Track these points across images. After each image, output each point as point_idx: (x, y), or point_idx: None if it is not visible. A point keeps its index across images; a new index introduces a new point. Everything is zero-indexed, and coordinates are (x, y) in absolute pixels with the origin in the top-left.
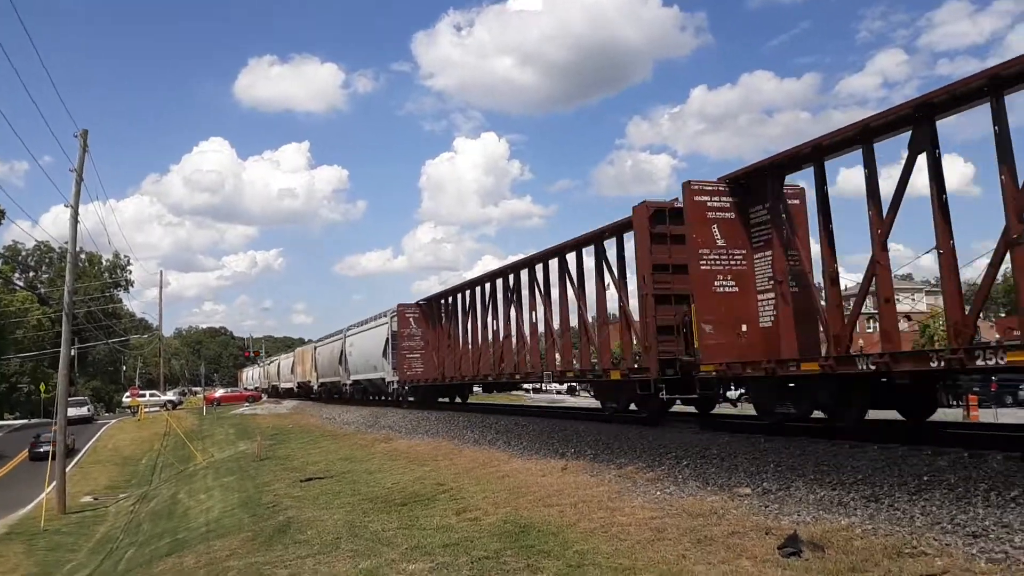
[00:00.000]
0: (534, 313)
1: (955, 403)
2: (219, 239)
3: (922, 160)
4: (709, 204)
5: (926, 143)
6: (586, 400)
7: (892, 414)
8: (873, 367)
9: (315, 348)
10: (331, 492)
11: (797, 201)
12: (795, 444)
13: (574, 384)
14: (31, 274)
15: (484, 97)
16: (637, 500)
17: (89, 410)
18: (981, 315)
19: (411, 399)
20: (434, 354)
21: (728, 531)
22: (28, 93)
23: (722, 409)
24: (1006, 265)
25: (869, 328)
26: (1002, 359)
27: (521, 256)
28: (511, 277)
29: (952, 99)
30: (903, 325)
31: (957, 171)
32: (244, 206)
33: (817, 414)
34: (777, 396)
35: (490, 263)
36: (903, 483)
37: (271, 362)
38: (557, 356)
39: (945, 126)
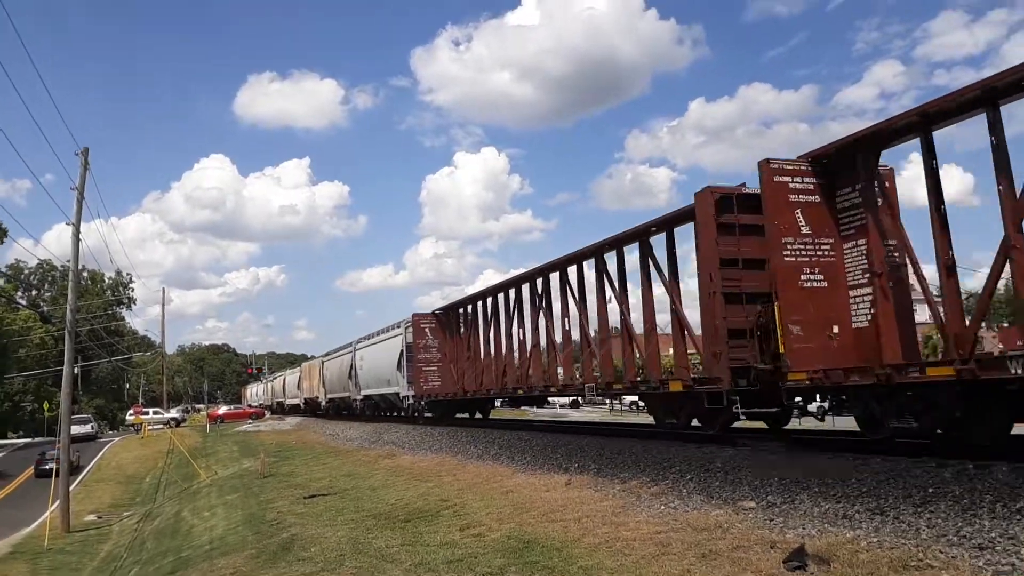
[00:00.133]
0: (567, 320)
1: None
2: (221, 256)
3: None
4: (791, 186)
5: None
6: (589, 414)
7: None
8: None
9: (323, 363)
10: (334, 509)
11: (888, 183)
12: (799, 457)
13: (576, 397)
14: (34, 293)
15: (483, 112)
16: (641, 515)
17: (93, 427)
18: (983, 324)
19: (428, 415)
20: (452, 367)
21: (733, 545)
22: (29, 112)
23: (797, 424)
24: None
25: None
26: None
27: (532, 265)
28: (539, 281)
29: None
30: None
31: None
32: (245, 223)
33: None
34: (891, 408)
35: (492, 277)
36: (908, 495)
37: (276, 378)
38: (596, 367)
39: None
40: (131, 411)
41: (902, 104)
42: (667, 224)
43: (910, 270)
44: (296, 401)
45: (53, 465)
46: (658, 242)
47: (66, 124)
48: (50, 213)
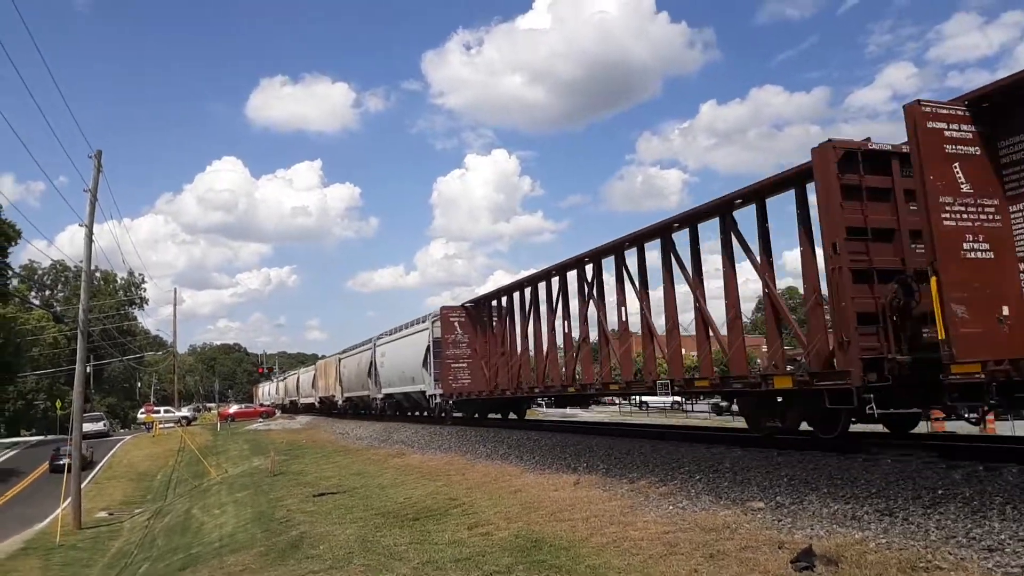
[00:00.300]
0: (623, 310)
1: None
2: (233, 257)
3: None
4: (947, 134)
5: None
6: (599, 415)
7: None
8: None
9: (339, 360)
10: (343, 507)
11: None
12: (808, 457)
13: (636, 397)
14: (47, 293)
15: (494, 115)
16: (649, 515)
17: (105, 425)
18: None
19: (457, 415)
20: (483, 363)
21: (741, 545)
22: (43, 115)
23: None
24: None
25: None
26: None
27: (542, 266)
28: (589, 268)
29: None
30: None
31: None
32: (258, 224)
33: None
34: None
35: (502, 278)
36: (917, 496)
37: (289, 376)
38: (661, 361)
39: None
40: (143, 410)
41: None
42: (756, 195)
43: None
44: (311, 400)
45: (67, 461)
46: (746, 218)
47: (79, 127)
48: (64, 215)
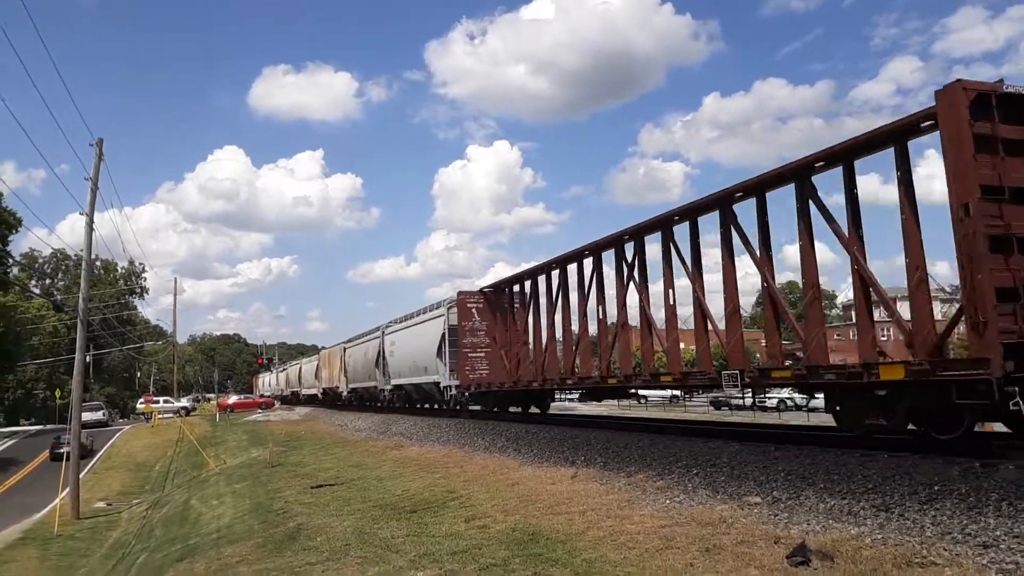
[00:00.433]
0: (671, 292)
1: None
2: (234, 247)
3: None
4: None
5: None
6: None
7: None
8: None
9: (344, 349)
10: (341, 499)
11: None
12: (805, 453)
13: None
14: (47, 281)
15: (497, 105)
16: (646, 508)
17: (104, 414)
18: None
19: (473, 407)
20: (503, 353)
21: (737, 540)
22: (45, 103)
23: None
24: None
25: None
26: None
27: (544, 258)
28: (630, 247)
29: None
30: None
31: None
32: (259, 214)
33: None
34: None
35: (503, 270)
36: (914, 492)
37: (291, 366)
38: (718, 349)
39: None
40: (142, 400)
41: (919, 101)
42: (844, 155)
43: None
44: (313, 391)
45: (67, 449)
46: (828, 182)
47: (81, 115)
48: (65, 203)
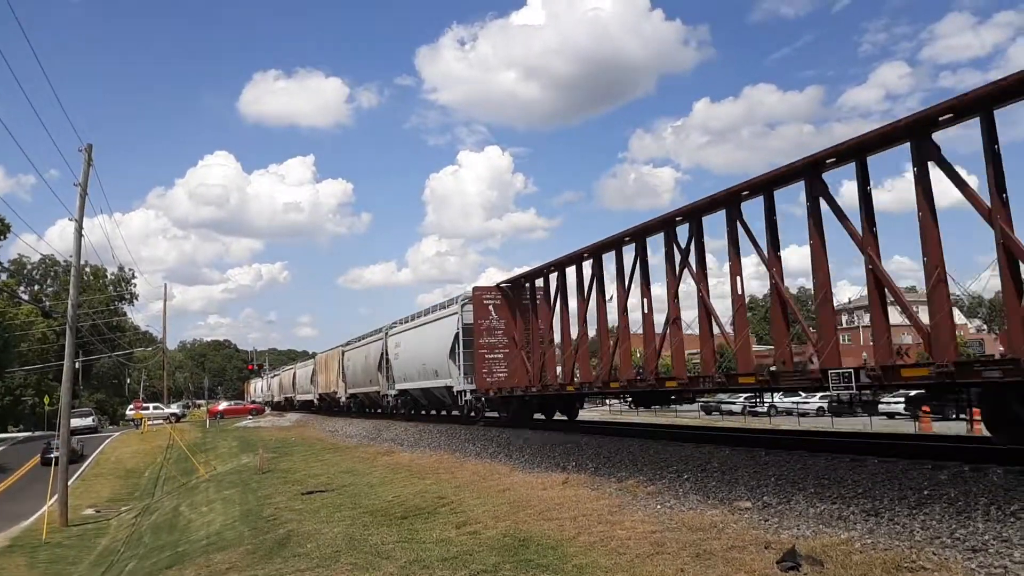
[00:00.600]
0: (739, 282)
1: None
2: (224, 252)
3: None
4: None
5: None
6: (589, 413)
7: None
8: None
9: (343, 353)
10: (332, 505)
11: None
12: (796, 457)
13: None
14: (36, 287)
15: (488, 111)
16: (637, 514)
17: (94, 420)
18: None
19: (489, 414)
20: (523, 354)
21: (727, 545)
22: (33, 108)
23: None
24: None
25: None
26: None
27: (535, 264)
28: (684, 229)
29: None
30: (907, 339)
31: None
32: (249, 219)
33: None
34: None
35: (495, 275)
36: (903, 497)
37: (285, 371)
38: (797, 346)
39: None
40: (131, 406)
41: (908, 106)
42: (857, 151)
43: None
44: (309, 396)
45: (58, 454)
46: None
47: (70, 120)
48: (54, 208)
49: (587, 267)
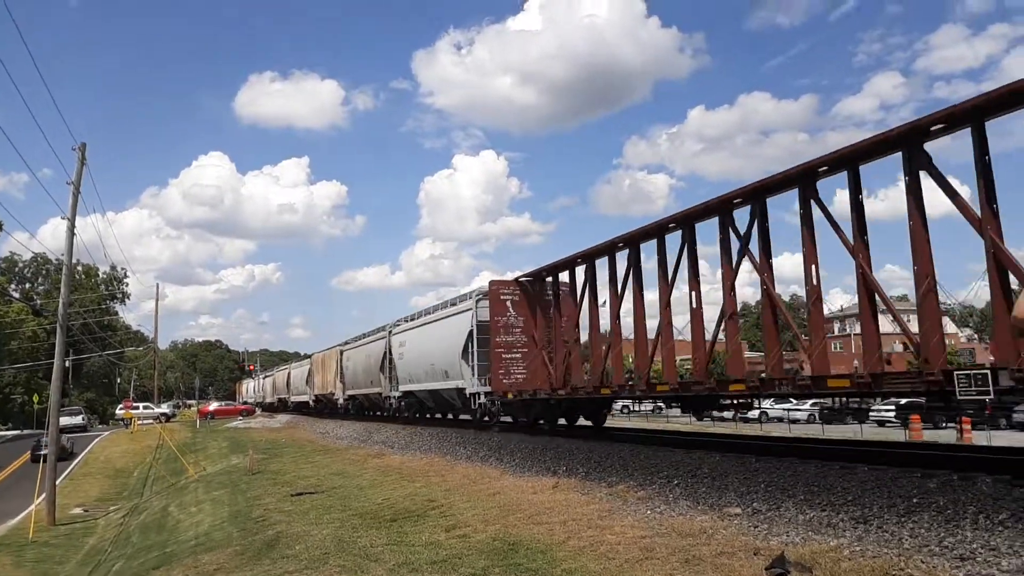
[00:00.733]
0: (814, 270)
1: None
2: (217, 253)
3: None
4: None
5: None
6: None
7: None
8: None
9: (341, 352)
10: (321, 507)
11: None
12: (786, 464)
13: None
14: (27, 286)
15: (484, 115)
16: (627, 519)
17: (83, 419)
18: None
19: (504, 418)
20: (545, 354)
21: (717, 551)
22: (27, 106)
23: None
24: None
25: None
26: None
27: (528, 269)
28: (743, 215)
29: None
30: (898, 347)
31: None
32: (243, 220)
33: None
34: None
35: (488, 279)
36: (892, 505)
37: (279, 371)
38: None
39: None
40: (121, 406)
41: (901, 116)
42: (850, 160)
43: None
44: (304, 398)
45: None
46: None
47: (64, 119)
48: (47, 207)
49: (623, 258)
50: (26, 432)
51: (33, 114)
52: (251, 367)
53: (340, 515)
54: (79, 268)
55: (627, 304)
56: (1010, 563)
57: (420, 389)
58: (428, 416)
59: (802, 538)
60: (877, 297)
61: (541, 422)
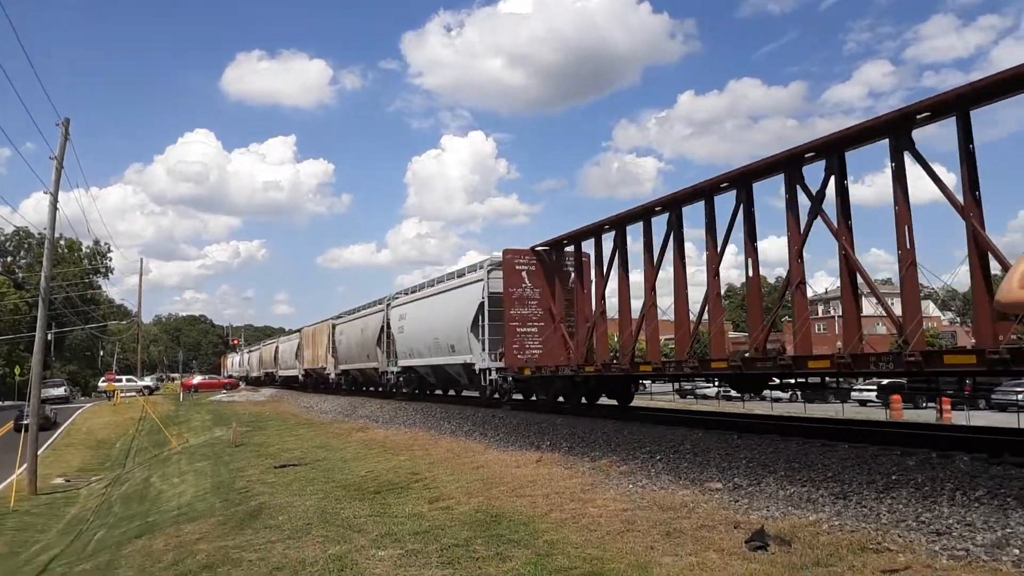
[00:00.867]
0: (906, 232)
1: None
2: (202, 229)
3: None
4: None
5: None
6: None
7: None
8: None
9: (334, 326)
10: (304, 479)
11: None
12: (767, 441)
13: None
14: (8, 259)
15: (472, 96)
16: (609, 492)
17: (65, 391)
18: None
19: (517, 396)
20: (564, 327)
21: (697, 524)
22: (9, 80)
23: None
24: None
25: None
26: None
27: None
28: (814, 171)
29: None
30: (881, 329)
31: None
32: (228, 197)
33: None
34: None
35: (475, 259)
36: (872, 481)
37: (267, 345)
38: None
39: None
40: (104, 378)
41: (889, 104)
42: (836, 146)
43: None
44: (293, 372)
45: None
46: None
47: (47, 94)
48: (29, 181)
49: (659, 223)
50: (7, 403)
51: (15, 88)
52: (235, 342)
53: (323, 487)
54: (62, 242)
55: (663, 275)
56: (984, 538)
57: (422, 364)
58: (429, 393)
59: (782, 513)
60: (860, 279)
61: (561, 400)
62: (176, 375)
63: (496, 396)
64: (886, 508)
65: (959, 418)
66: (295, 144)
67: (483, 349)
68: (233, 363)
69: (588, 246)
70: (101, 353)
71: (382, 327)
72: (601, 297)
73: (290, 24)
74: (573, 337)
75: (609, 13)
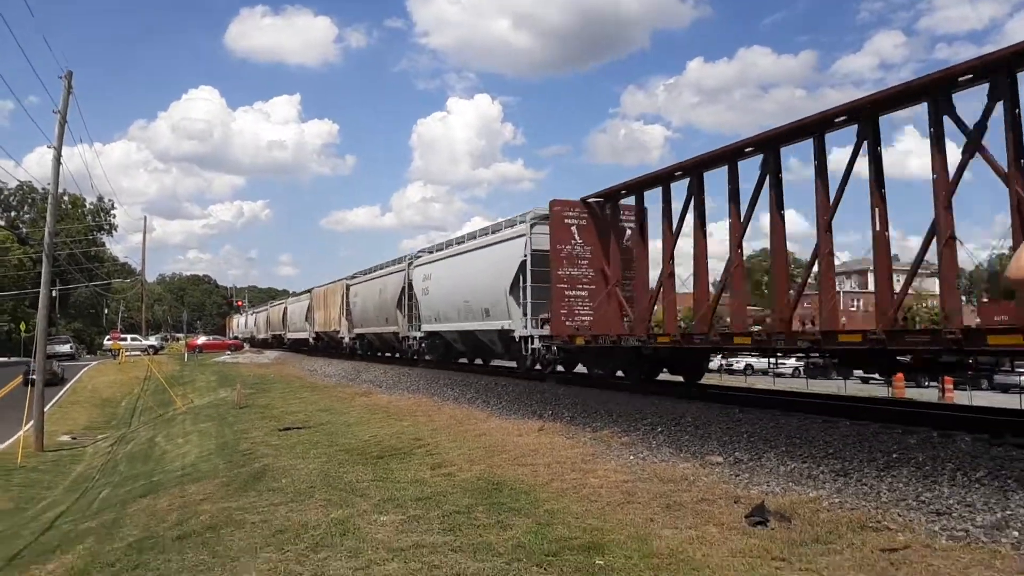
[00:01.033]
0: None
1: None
2: (206, 187)
3: None
4: None
5: None
6: None
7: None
8: None
9: (348, 287)
10: (308, 442)
11: None
12: (769, 416)
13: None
14: (12, 214)
15: (479, 57)
16: (610, 463)
17: (71, 348)
18: (963, 299)
19: (561, 369)
20: (619, 292)
21: (697, 498)
22: (12, 33)
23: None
24: None
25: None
26: None
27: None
28: (964, 101)
29: None
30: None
31: None
32: (232, 156)
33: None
34: None
35: (480, 224)
36: (872, 459)
37: (275, 306)
38: None
39: None
40: (109, 336)
41: (900, 76)
42: (870, 110)
43: None
44: (303, 335)
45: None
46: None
47: (50, 47)
48: (33, 136)
49: (747, 168)
50: (13, 360)
51: (18, 40)
52: (239, 303)
53: (327, 451)
54: (65, 198)
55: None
56: (984, 519)
57: (449, 330)
58: (455, 361)
59: (782, 488)
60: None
61: (620, 374)
62: (180, 335)
63: (538, 367)
64: (886, 486)
65: (961, 398)
66: (299, 103)
67: (524, 314)
68: (239, 324)
69: (652, 197)
70: (106, 311)
71: (403, 288)
72: (670, 257)
73: None
74: (631, 303)
75: None
